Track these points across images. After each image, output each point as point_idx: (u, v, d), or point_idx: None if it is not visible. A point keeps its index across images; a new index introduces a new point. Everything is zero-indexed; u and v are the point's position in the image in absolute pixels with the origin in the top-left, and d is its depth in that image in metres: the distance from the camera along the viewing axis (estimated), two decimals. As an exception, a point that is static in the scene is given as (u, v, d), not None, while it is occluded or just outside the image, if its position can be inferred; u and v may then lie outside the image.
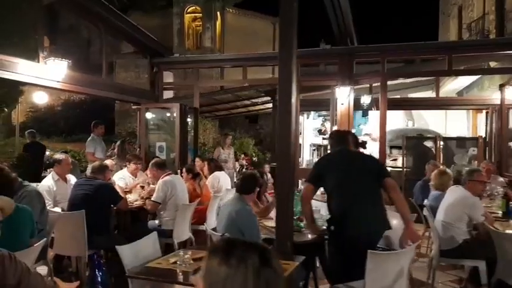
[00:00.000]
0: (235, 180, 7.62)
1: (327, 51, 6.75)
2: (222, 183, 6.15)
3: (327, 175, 3.29)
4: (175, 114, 7.07)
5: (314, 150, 14.46)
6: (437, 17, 16.76)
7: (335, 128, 7.05)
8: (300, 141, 12.86)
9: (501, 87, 6.89)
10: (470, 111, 11.73)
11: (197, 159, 7.01)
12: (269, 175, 7.54)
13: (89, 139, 6.69)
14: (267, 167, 8.63)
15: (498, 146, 7.39)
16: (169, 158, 7.20)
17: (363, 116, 16.41)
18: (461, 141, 9.00)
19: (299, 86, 6.70)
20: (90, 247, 4.08)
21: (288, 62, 2.85)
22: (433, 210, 4.31)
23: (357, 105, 6.83)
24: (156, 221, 4.83)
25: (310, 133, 14.22)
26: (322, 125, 15.96)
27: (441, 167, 5.00)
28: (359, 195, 3.18)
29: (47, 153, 9.36)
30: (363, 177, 3.23)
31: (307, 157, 13.91)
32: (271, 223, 3.85)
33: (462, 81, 10.95)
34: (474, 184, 4.01)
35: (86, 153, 6.57)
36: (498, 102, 7.64)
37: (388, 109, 6.46)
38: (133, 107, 10.70)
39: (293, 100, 2.90)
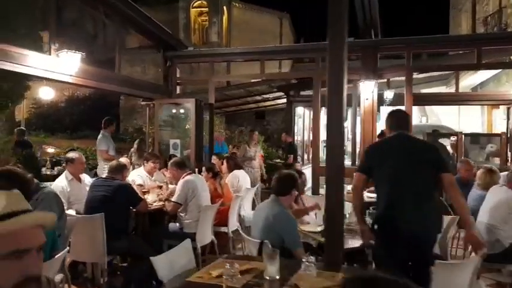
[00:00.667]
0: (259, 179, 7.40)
1: (351, 44, 6.42)
2: (241, 183, 5.89)
3: (379, 163, 2.92)
4: (190, 110, 6.79)
5: (325, 147, 14.22)
6: (447, 11, 16.41)
7: (358, 125, 6.78)
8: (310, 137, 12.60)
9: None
10: (485, 107, 11.46)
11: (214, 157, 6.73)
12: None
13: (100, 137, 6.41)
14: (298, 165, 8.15)
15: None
16: (183, 156, 6.93)
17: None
18: (483, 138, 8.72)
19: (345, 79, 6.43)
20: (109, 252, 3.83)
21: (339, 54, 2.56)
22: (474, 211, 4.04)
23: (380, 100, 6.55)
24: (177, 224, 4.56)
25: (322, 129, 13.94)
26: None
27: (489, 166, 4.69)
28: (413, 189, 2.81)
29: (51, 150, 9.12)
30: (420, 169, 2.84)
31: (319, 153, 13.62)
32: (308, 227, 3.60)
33: (478, 77, 10.67)
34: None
35: (100, 152, 6.28)
36: None
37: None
38: (142, 102, 10.42)
39: (344, 95, 2.61)
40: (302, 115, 12.10)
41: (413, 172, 2.84)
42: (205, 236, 4.56)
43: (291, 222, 3.00)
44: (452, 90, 11.49)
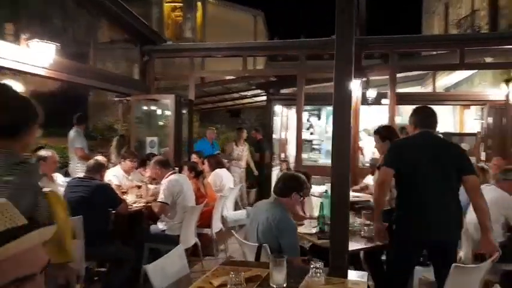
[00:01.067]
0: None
1: (334, 41, 6.36)
2: (224, 182, 5.70)
3: (402, 161, 2.82)
4: (170, 107, 6.54)
5: (307, 144, 14.17)
6: (419, 14, 16.74)
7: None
8: (288, 136, 12.53)
9: (507, 82, 6.73)
10: (458, 107, 11.73)
11: (194, 155, 6.49)
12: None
13: (74, 134, 6.05)
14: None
15: (500, 142, 7.29)
16: (161, 154, 6.66)
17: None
18: (455, 137, 8.85)
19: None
20: (87, 258, 3.56)
21: (347, 51, 2.43)
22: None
23: (363, 99, 6.51)
24: (160, 226, 4.32)
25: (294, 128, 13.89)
26: (308, 120, 15.70)
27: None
28: (437, 191, 2.73)
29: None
30: (445, 170, 2.75)
31: (293, 153, 13.57)
32: (302, 229, 3.47)
33: (453, 78, 10.89)
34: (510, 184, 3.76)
35: (75, 150, 5.91)
36: (497, 98, 7.57)
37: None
38: (115, 98, 10.01)
39: (351, 94, 2.49)
40: (280, 113, 11.99)
41: (437, 173, 2.77)
42: (189, 238, 4.36)
43: (291, 227, 2.83)
44: (427, 90, 11.73)
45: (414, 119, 2.97)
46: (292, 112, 13.09)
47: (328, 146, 15.03)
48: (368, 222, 3.40)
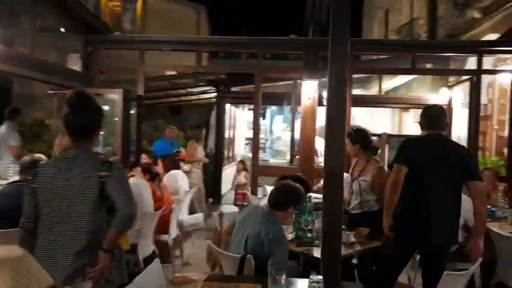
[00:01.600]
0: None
1: (293, 41, 6.30)
2: (180, 183, 5.38)
3: (411, 160, 2.77)
4: (117, 102, 6.05)
5: (247, 144, 14.09)
6: (360, 19, 17.38)
7: (298, 124, 6.67)
8: (235, 135, 12.37)
9: (450, 87, 7.13)
10: (397, 110, 12.32)
11: (144, 155, 6.09)
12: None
13: (6, 130, 5.38)
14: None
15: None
16: (106, 154, 6.15)
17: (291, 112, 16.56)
18: (392, 139, 9.18)
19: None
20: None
21: (342, 49, 2.31)
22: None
23: (319, 100, 6.49)
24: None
25: (244, 126, 13.82)
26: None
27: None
28: (441, 194, 2.73)
29: None
30: (450, 174, 2.75)
31: (241, 151, 13.49)
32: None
33: (393, 82, 11.43)
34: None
35: (10, 148, 5.24)
36: (438, 102, 8.02)
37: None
38: (50, 91, 9.19)
39: (345, 96, 2.38)
40: (227, 112, 11.78)
41: (443, 176, 2.76)
42: (147, 247, 4.03)
43: (285, 243, 2.67)
44: (369, 93, 12.18)
45: (422, 121, 2.95)
46: (239, 111, 12.97)
47: (275, 145, 15.17)
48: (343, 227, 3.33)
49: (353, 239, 3.15)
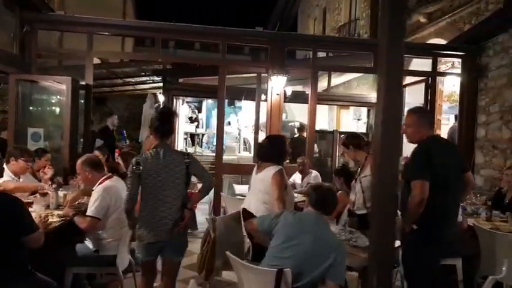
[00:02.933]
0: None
1: (259, 34, 6.07)
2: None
3: (437, 170, 2.69)
4: (65, 91, 5.32)
5: (186, 138, 13.55)
6: (295, 15, 17.61)
7: (263, 121, 6.48)
8: (176, 128, 11.80)
9: (403, 87, 7.45)
10: (334, 107, 12.72)
11: (96, 152, 5.43)
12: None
13: None
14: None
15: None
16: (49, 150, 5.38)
17: (228, 106, 16.29)
18: (329, 135, 9.38)
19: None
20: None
21: (398, 52, 2.17)
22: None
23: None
24: (90, 245, 3.40)
25: (183, 121, 13.26)
26: (193, 112, 15.14)
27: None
28: (456, 197, 2.81)
29: None
30: (458, 175, 2.82)
31: (180, 146, 12.91)
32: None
33: (334, 80, 11.75)
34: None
35: None
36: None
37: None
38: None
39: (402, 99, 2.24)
40: (166, 104, 11.15)
41: (454, 179, 2.79)
42: (125, 258, 3.56)
43: (344, 251, 2.50)
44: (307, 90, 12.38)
45: (424, 121, 2.89)
46: (179, 103, 12.39)
47: (214, 140, 14.78)
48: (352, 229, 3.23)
49: (367, 243, 3.03)
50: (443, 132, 7.73)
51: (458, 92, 6.77)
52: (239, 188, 5.61)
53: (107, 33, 5.84)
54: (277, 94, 5.83)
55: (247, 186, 5.85)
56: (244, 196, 5.21)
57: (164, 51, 6.11)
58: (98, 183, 3.36)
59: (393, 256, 2.27)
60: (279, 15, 12.83)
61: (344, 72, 8.15)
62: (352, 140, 3.81)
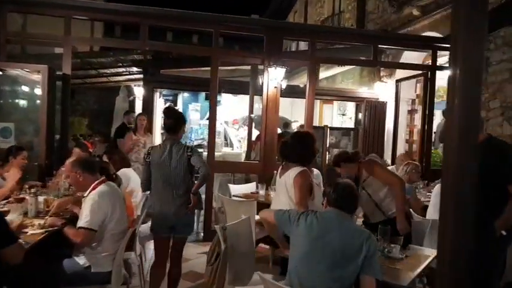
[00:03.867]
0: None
1: (255, 22, 5.63)
2: (133, 184, 4.37)
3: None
4: (41, 81, 4.72)
5: (163, 133, 12.93)
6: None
7: (256, 116, 6.07)
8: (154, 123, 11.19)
9: (397, 82, 7.25)
10: (318, 101, 12.47)
11: (76, 149, 4.86)
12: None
13: None
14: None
15: (379, 138, 7.87)
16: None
17: (206, 100, 15.75)
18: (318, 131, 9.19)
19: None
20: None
21: (480, 45, 1.82)
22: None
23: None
24: (81, 260, 2.90)
25: (159, 114, 12.61)
26: (169, 105, 14.50)
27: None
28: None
29: None
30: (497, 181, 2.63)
31: (158, 141, 12.28)
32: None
33: (320, 74, 11.47)
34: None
35: None
36: (368, 96, 8.19)
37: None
38: None
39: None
40: (144, 97, 10.50)
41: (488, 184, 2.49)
42: (121, 274, 3.09)
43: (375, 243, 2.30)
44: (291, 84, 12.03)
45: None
46: (157, 96, 11.76)
47: (192, 135, 14.20)
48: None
49: (401, 254, 2.69)
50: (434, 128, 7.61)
51: (444, 87, 6.65)
52: (235, 189, 5.19)
53: (86, 18, 5.25)
54: (275, 87, 5.44)
55: (243, 186, 5.51)
56: (241, 198, 4.86)
57: (151, 42, 5.55)
58: (90, 189, 2.88)
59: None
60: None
61: (344, 64, 7.85)
62: (339, 157, 3.61)
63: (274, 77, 5.38)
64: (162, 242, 3.39)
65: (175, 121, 3.38)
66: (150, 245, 4.85)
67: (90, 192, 2.86)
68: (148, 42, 5.50)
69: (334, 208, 2.29)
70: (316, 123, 12.37)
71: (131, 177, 4.40)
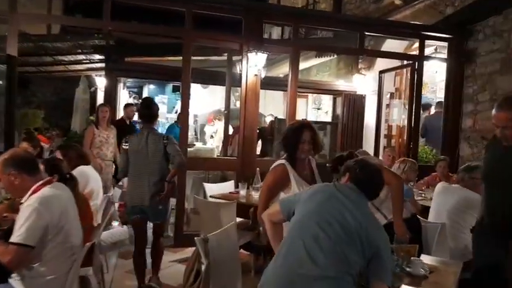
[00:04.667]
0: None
1: (233, 1, 5.04)
2: (93, 185, 3.72)
3: None
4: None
5: (127, 126, 12.09)
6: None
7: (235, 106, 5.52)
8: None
9: (381, 73, 6.89)
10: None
11: (24, 144, 4.15)
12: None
13: None
14: None
15: (357, 132, 7.51)
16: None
17: (173, 92, 14.98)
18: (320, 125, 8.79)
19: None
20: None
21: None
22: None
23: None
24: (18, 286, 2.26)
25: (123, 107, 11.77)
26: (134, 98, 13.66)
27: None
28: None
29: None
30: None
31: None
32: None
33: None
34: (475, 182, 3.47)
35: None
36: (346, 88, 7.81)
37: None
38: None
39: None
40: (102, 87, 9.63)
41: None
42: (75, 297, 2.48)
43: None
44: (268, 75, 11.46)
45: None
46: (120, 87, 10.94)
47: (159, 129, 13.40)
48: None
49: (423, 270, 2.23)
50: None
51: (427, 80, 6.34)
52: (210, 188, 4.63)
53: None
54: (255, 75, 4.91)
55: (219, 185, 4.95)
56: (219, 198, 4.30)
57: (115, 23, 4.88)
58: (30, 192, 2.24)
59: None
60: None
61: (329, 52, 7.38)
62: (336, 162, 3.10)
63: (254, 64, 4.85)
64: (140, 228, 3.60)
65: (151, 111, 3.59)
66: (113, 255, 4.25)
67: (29, 197, 2.22)
68: (112, 23, 4.84)
69: (356, 187, 1.95)
70: (286, 116, 11.94)
71: (90, 176, 3.74)
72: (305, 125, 2.64)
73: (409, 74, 7.10)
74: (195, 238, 2.44)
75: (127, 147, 3.54)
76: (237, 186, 4.64)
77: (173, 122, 7.22)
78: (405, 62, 6.95)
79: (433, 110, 7.61)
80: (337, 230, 1.76)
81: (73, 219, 2.39)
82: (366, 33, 5.48)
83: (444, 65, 5.97)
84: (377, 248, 1.79)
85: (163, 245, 3.84)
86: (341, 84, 8.19)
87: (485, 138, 5.45)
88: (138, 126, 6.37)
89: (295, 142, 2.55)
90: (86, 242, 2.76)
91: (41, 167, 2.74)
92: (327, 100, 10.35)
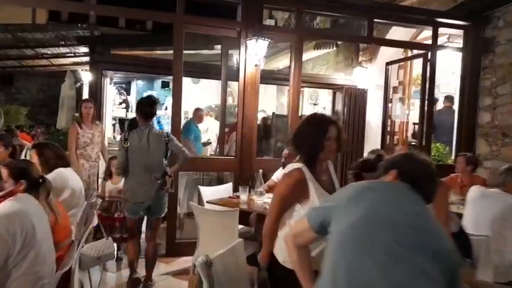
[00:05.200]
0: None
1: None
2: (72, 191, 3.18)
3: None
4: None
5: (115, 124, 11.49)
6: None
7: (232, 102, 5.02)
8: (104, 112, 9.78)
9: (388, 65, 6.43)
10: (285, 88, 11.51)
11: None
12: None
13: None
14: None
15: (359, 129, 7.07)
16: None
17: (162, 88, 14.41)
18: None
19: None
20: None
21: None
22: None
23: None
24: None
25: (110, 103, 11.16)
26: (122, 94, 13.07)
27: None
28: None
29: None
30: None
31: (108, 133, 10.87)
32: None
33: (286, 61, 10.53)
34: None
35: None
36: (346, 82, 7.36)
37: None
38: None
39: None
40: (87, 82, 9.02)
41: None
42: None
43: None
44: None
45: None
46: (107, 82, 10.33)
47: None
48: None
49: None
50: (416, 116, 6.87)
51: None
52: (207, 193, 4.12)
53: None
54: (256, 65, 4.42)
55: (217, 188, 4.46)
56: (217, 204, 3.80)
57: (100, 6, 4.35)
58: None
59: None
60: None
61: (335, 40, 6.88)
62: (360, 167, 2.63)
63: (254, 52, 4.35)
64: (136, 222, 3.62)
65: (153, 108, 3.60)
66: (97, 271, 3.74)
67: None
68: (96, 7, 4.31)
69: (411, 186, 1.47)
70: (283, 111, 11.50)
71: (69, 179, 3.21)
72: (329, 119, 2.13)
73: (413, 67, 6.68)
74: (196, 262, 1.94)
75: (127, 144, 3.48)
76: (236, 189, 4.16)
77: (189, 119, 6.60)
78: (409, 54, 6.54)
79: (440, 105, 7.19)
80: (413, 240, 1.29)
81: (42, 239, 1.89)
82: (375, 20, 5.00)
83: (455, 56, 5.54)
84: (454, 260, 1.32)
85: (158, 243, 3.81)
86: (340, 78, 7.74)
87: (506, 134, 5.03)
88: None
89: (319, 140, 2.04)
90: (62, 262, 2.26)
91: (4, 172, 2.24)
92: (324, 95, 9.89)
